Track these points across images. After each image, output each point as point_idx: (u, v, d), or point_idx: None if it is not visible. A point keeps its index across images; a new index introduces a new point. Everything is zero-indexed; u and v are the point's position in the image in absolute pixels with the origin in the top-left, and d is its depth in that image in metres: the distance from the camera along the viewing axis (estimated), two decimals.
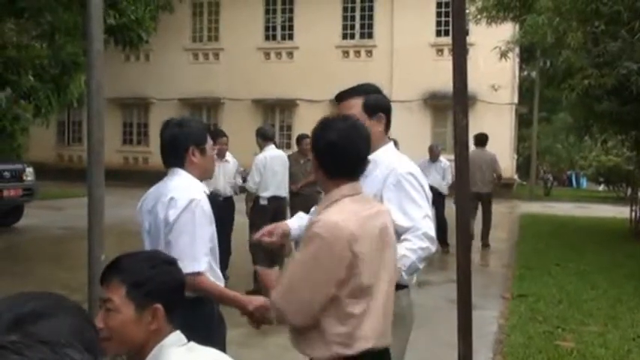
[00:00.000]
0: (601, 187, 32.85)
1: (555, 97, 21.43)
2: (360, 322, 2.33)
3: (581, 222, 16.73)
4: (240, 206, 8.40)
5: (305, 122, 19.60)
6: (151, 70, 25.52)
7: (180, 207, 2.94)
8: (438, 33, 23.09)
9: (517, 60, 22.94)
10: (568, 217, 17.90)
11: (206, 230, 3.00)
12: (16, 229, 12.33)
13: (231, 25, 24.91)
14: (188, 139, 3.09)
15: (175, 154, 3.11)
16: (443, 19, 22.77)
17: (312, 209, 3.09)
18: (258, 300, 2.89)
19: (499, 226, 13.73)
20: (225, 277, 3.26)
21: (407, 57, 22.83)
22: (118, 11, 11.70)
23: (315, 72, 23.34)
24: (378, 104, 3.08)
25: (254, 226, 7.60)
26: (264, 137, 8.25)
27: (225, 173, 8.18)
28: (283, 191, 8.10)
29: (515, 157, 25.73)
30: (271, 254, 6.31)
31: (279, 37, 25.04)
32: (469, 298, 3.08)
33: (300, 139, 8.98)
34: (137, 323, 1.88)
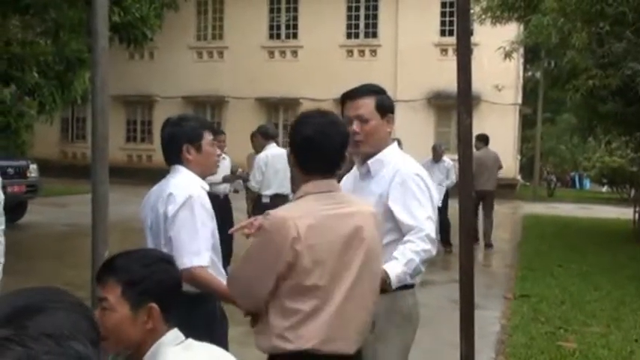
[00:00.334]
0: (604, 189, 32.77)
1: (559, 98, 21.39)
2: (306, 321, 2.29)
3: (584, 223, 16.70)
4: (242, 204, 8.41)
5: None
6: (156, 68, 25.54)
7: (179, 203, 2.96)
8: (443, 33, 23.07)
9: (521, 60, 22.89)
10: (571, 218, 17.87)
11: (206, 226, 3.01)
12: (20, 225, 12.35)
13: (235, 23, 24.92)
14: (182, 138, 3.13)
15: (172, 153, 3.16)
16: (447, 18, 22.75)
17: None
18: None
19: (502, 226, 13.71)
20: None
21: (411, 57, 22.81)
22: (123, 9, 11.71)
23: (319, 71, 23.34)
24: (389, 105, 3.09)
25: None
26: (265, 136, 8.26)
27: (222, 170, 8.20)
28: (285, 189, 8.11)
29: (519, 157, 25.68)
30: None
31: (283, 36, 25.03)
32: (472, 298, 3.08)
33: None
34: (132, 322, 1.89)
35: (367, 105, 2.98)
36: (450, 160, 11.22)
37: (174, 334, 1.92)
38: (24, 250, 10.21)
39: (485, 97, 21.92)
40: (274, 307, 2.32)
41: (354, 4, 24.16)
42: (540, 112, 25.89)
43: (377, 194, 2.94)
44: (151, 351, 1.88)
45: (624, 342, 6.09)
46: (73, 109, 25.51)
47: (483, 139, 11.82)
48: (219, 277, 3.05)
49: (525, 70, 27.34)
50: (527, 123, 28.26)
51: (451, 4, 22.05)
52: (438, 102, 22.97)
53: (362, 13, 24.11)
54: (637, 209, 14.58)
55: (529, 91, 27.44)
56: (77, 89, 14.39)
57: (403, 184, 2.92)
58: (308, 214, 2.31)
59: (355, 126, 2.93)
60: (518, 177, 25.27)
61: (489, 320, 6.65)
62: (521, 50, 18.89)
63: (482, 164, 11.42)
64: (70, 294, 0.97)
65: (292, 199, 2.47)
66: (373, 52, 24.03)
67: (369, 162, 3.02)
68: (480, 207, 11.63)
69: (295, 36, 24.83)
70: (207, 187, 3.20)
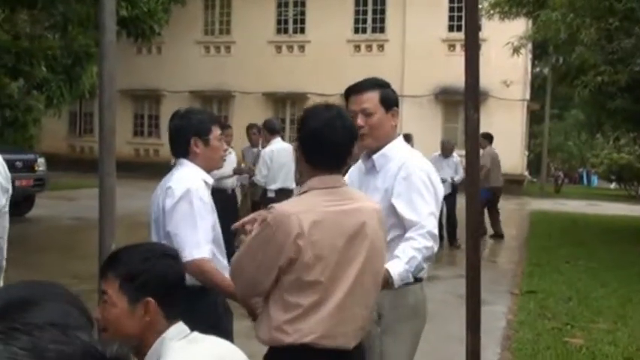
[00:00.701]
0: (612, 185, 32.69)
1: (567, 94, 21.32)
2: (306, 315, 2.29)
3: (591, 220, 16.65)
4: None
5: None
6: (163, 63, 25.57)
7: (176, 196, 2.96)
8: (451, 28, 23.00)
9: (529, 56, 22.80)
10: (579, 214, 17.82)
11: (206, 219, 3.01)
12: (28, 219, 12.40)
13: (242, 18, 24.90)
14: (190, 131, 3.12)
15: (179, 145, 3.15)
16: (455, 14, 22.67)
17: None
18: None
19: (509, 222, 13.68)
20: None
21: (418, 52, 22.74)
22: (131, 3, 11.73)
23: (327, 66, 23.30)
24: (394, 99, 3.08)
25: None
26: (270, 130, 8.28)
27: (229, 165, 8.20)
28: (290, 183, 8.14)
29: (526, 153, 25.61)
30: None
31: (290, 31, 25.01)
32: (478, 292, 3.08)
33: None
34: (130, 316, 1.89)
35: (371, 99, 2.97)
36: (457, 156, 11.24)
37: (178, 328, 1.92)
38: (31, 244, 10.25)
39: (493, 93, 21.85)
40: (275, 300, 2.32)
41: None
42: (548, 108, 25.81)
43: (382, 190, 2.92)
44: (154, 346, 1.89)
45: (631, 339, 6.07)
46: (80, 104, 25.57)
47: (487, 138, 11.86)
48: (223, 271, 3.05)
49: (533, 65, 27.24)
50: (534, 119, 28.17)
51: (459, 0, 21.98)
52: (445, 97, 22.92)
53: (369, 8, 24.05)
54: None
55: (537, 87, 27.37)
56: (85, 83, 14.42)
57: (407, 179, 2.90)
58: (312, 209, 2.30)
59: (360, 120, 2.92)
60: (526, 173, 25.20)
61: (496, 316, 6.64)
62: (530, 46, 18.83)
63: (495, 161, 11.67)
64: (59, 286, 0.97)
65: (297, 193, 2.46)
66: (381, 48, 23.98)
67: (374, 157, 3.00)
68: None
69: (303, 31, 24.80)
70: (212, 181, 3.20)
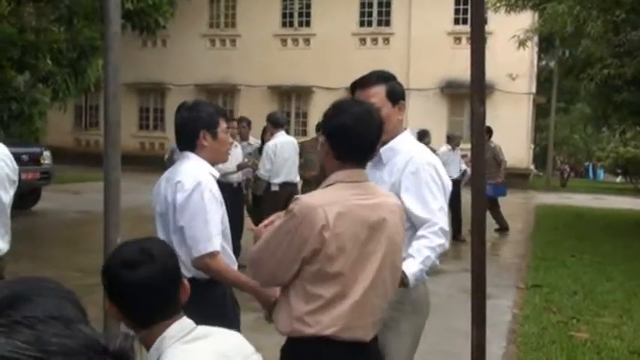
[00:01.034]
0: (618, 179, 32.61)
1: (574, 87, 21.27)
2: (327, 307, 2.30)
3: (597, 213, 16.61)
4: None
5: (321, 110, 19.28)
6: (168, 56, 25.56)
7: (188, 190, 2.95)
8: (456, 21, 22.93)
9: (535, 49, 22.71)
10: (584, 208, 17.77)
11: (216, 212, 3.01)
12: (33, 212, 12.44)
13: (248, 11, 24.87)
14: (199, 124, 3.10)
15: (186, 138, 3.13)
16: (461, 7, 22.59)
17: None
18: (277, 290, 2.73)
19: (514, 216, 13.66)
20: (238, 264, 3.27)
21: (424, 45, 22.68)
22: None
23: (332, 59, 23.26)
24: (400, 92, 3.06)
25: (265, 213, 7.62)
26: (274, 124, 8.26)
27: (234, 158, 8.18)
28: (294, 177, 8.12)
29: (532, 147, 25.55)
30: None
31: (296, 24, 24.97)
32: (484, 286, 3.06)
33: (320, 126, 8.90)
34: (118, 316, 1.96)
35: (378, 93, 2.96)
36: (458, 150, 11.36)
37: (179, 326, 1.89)
38: (37, 237, 10.28)
39: (499, 87, 21.79)
40: (296, 290, 2.33)
41: None
42: (554, 102, 25.71)
43: (389, 183, 2.92)
44: (155, 344, 1.88)
45: (636, 333, 6.06)
46: (86, 97, 25.59)
47: (488, 132, 11.81)
48: (231, 264, 3.06)
49: (539, 59, 27.13)
50: (540, 112, 28.08)
51: None
52: (450, 91, 22.87)
53: (375, 1, 23.99)
54: None
55: (543, 80, 27.26)
56: (90, 77, 14.40)
57: (416, 174, 2.90)
58: (337, 201, 2.32)
59: None
60: (532, 167, 25.15)
61: (501, 310, 6.64)
62: (536, 39, 18.75)
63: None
64: (55, 281, 0.96)
65: (322, 185, 2.46)
66: (386, 41, 23.93)
67: (381, 150, 2.99)
68: None
69: (308, 24, 24.76)
70: (217, 175, 3.20)
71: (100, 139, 23.82)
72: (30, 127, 15.06)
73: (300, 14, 24.90)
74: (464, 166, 11.15)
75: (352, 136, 2.39)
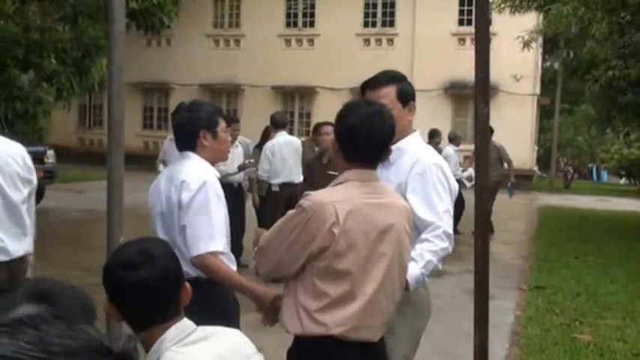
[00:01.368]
0: (622, 181, 32.52)
1: (578, 89, 21.22)
2: (337, 306, 2.30)
3: (601, 215, 16.57)
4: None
5: (324, 110, 19.54)
6: (172, 56, 25.58)
7: (194, 189, 2.95)
8: (461, 22, 22.91)
9: (540, 50, 22.67)
10: (588, 210, 17.73)
11: (221, 211, 3.01)
12: (37, 210, 12.44)
13: (252, 11, 24.87)
14: (199, 124, 3.10)
15: (186, 139, 3.13)
16: (465, 7, 22.56)
17: None
18: (273, 292, 2.75)
19: (518, 217, 13.65)
20: (239, 264, 3.28)
21: (428, 46, 22.65)
22: None
23: (336, 60, 23.25)
24: (411, 93, 3.05)
25: (266, 213, 7.62)
26: (275, 125, 8.22)
27: (236, 158, 8.16)
28: (296, 177, 7.99)
29: (536, 148, 25.50)
30: None
31: (300, 24, 24.96)
32: (486, 287, 3.06)
33: (318, 127, 8.74)
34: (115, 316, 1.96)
35: (389, 94, 2.95)
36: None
37: (179, 328, 1.88)
38: (40, 235, 10.26)
39: (503, 88, 21.75)
40: (303, 286, 2.34)
41: None
42: (558, 103, 25.67)
43: (395, 183, 2.91)
44: (154, 347, 1.87)
45: (639, 335, 6.05)
46: (90, 96, 25.62)
47: (489, 131, 11.82)
48: (231, 264, 3.06)
49: (544, 60, 27.10)
50: (544, 114, 28.05)
51: None
52: (455, 92, 22.84)
53: (379, 1, 23.97)
54: None
55: (547, 82, 27.22)
56: (94, 76, 14.43)
57: (423, 175, 2.89)
58: (348, 199, 2.33)
59: None
60: (535, 168, 25.10)
61: (503, 311, 6.62)
62: (540, 40, 18.74)
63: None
64: (65, 280, 0.97)
65: (332, 184, 2.47)
66: (390, 41, 23.91)
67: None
68: None
69: (312, 24, 24.76)
70: (219, 175, 3.20)
71: (103, 138, 23.80)
72: (34, 126, 15.08)
73: (305, 14, 24.90)
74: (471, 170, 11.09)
75: (359, 136, 2.39)
